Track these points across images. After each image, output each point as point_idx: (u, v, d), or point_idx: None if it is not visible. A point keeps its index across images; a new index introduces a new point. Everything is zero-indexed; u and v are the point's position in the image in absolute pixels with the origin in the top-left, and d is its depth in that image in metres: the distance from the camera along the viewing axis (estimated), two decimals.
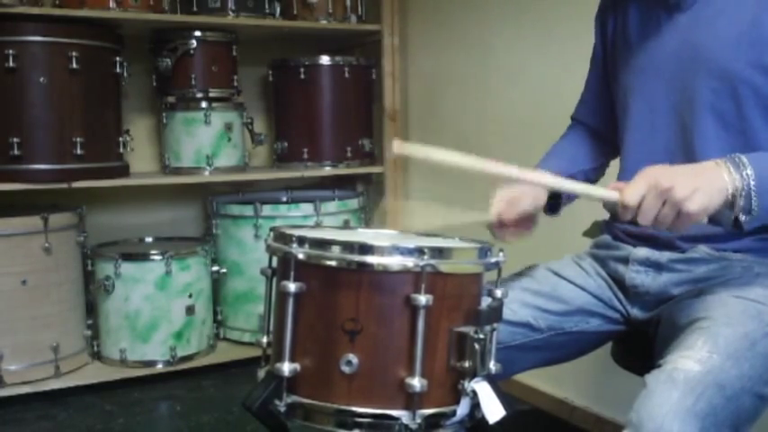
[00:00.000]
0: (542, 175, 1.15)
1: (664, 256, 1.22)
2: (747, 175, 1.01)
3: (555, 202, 1.34)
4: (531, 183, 1.17)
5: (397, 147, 1.10)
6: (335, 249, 0.97)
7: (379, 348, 0.96)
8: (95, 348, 2.59)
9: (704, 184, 1.00)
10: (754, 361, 1.02)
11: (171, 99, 2.76)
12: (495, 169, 1.09)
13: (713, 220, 1.04)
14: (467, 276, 1.01)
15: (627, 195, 1.02)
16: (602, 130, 1.44)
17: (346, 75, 2.90)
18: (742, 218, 1.03)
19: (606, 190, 1.07)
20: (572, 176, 1.38)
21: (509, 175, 1.11)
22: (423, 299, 0.94)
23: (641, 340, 1.27)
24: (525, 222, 1.27)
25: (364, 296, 0.96)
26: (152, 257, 2.53)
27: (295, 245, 0.98)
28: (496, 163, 1.09)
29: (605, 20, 1.38)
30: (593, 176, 1.45)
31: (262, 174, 2.97)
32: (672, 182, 0.99)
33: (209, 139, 2.71)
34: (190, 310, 2.60)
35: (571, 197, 1.35)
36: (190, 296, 2.60)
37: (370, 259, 0.95)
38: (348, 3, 2.88)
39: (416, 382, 0.94)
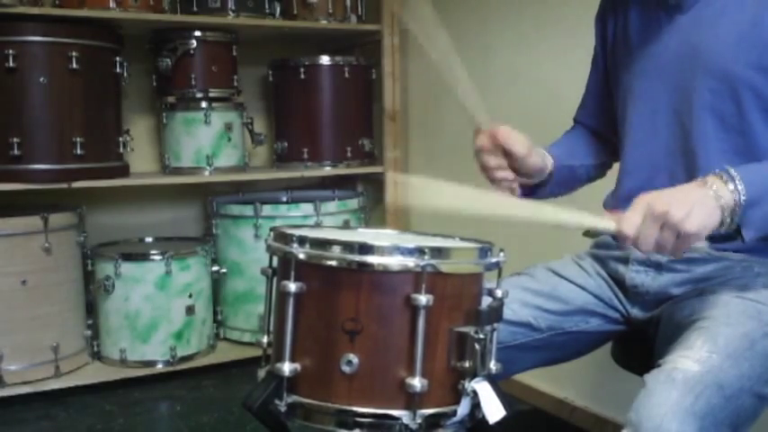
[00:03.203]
0: (542, 207, 1.10)
1: (664, 256, 1.22)
2: (739, 189, 1.00)
3: (533, 187, 1.33)
4: (530, 219, 1.09)
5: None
6: (336, 249, 0.97)
7: (379, 348, 0.96)
8: (95, 348, 2.59)
9: (698, 204, 0.99)
10: (753, 361, 1.02)
11: (171, 99, 2.76)
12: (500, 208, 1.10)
13: (714, 237, 1.04)
14: (467, 276, 1.01)
15: (624, 226, 1.01)
16: (603, 133, 1.44)
17: (346, 75, 2.90)
18: (742, 231, 1.03)
19: (603, 219, 1.05)
20: (572, 168, 1.38)
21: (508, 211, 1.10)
22: (423, 299, 0.94)
23: (641, 340, 1.28)
24: (508, 165, 1.25)
25: (364, 296, 0.96)
26: (152, 257, 2.53)
27: (295, 245, 0.98)
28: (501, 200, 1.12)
29: (605, 21, 1.37)
30: (593, 173, 1.44)
31: (262, 174, 2.97)
32: (666, 206, 0.98)
33: (209, 139, 2.72)
34: (190, 310, 2.60)
35: (554, 191, 1.35)
36: (190, 296, 2.60)
37: (371, 259, 0.95)
38: (348, 3, 2.88)
39: (417, 382, 0.94)
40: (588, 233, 1.44)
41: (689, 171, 1.18)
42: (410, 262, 0.94)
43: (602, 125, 1.44)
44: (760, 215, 1.02)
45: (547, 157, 1.32)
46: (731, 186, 1.01)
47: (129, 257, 2.52)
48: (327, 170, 2.94)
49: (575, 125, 1.50)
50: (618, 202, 1.33)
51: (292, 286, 0.97)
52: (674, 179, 1.16)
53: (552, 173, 1.33)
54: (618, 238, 1.03)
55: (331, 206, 2.81)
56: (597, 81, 1.43)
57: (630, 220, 1.00)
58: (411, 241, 1.02)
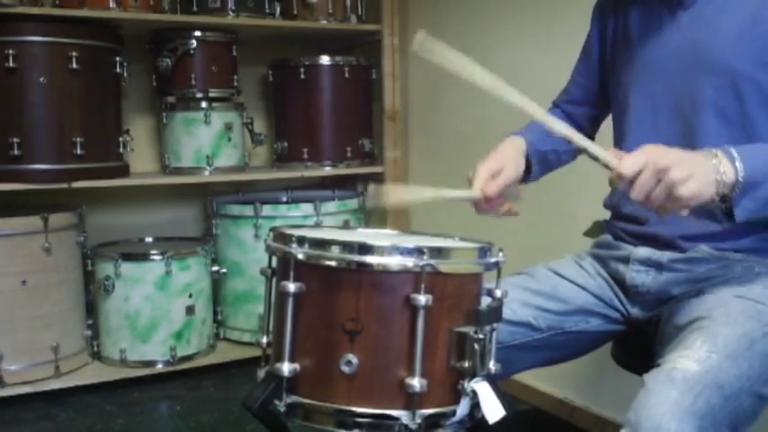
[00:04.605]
0: (557, 122, 1.12)
1: (665, 255, 1.22)
2: (737, 168, 1.01)
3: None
4: (550, 128, 1.12)
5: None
6: (335, 249, 0.97)
7: (378, 348, 0.96)
8: (95, 348, 2.59)
9: (700, 173, 0.99)
10: (752, 361, 1.02)
11: (171, 99, 2.76)
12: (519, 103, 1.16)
13: (707, 212, 1.05)
14: (466, 276, 1.01)
15: (624, 165, 1.01)
16: (580, 122, 1.44)
17: (346, 75, 2.90)
18: (735, 211, 1.03)
19: (607, 152, 1.05)
20: (544, 153, 1.38)
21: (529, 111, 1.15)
22: (422, 299, 0.94)
23: (641, 340, 1.28)
24: (510, 195, 1.27)
25: (364, 296, 0.96)
26: (152, 257, 2.53)
27: (295, 245, 0.98)
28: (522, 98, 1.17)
29: (605, 15, 1.37)
30: (564, 158, 1.44)
31: (262, 174, 2.97)
32: (670, 163, 0.99)
33: (209, 139, 2.71)
34: (190, 310, 2.60)
35: (538, 172, 1.37)
36: (190, 296, 2.60)
37: (370, 259, 0.95)
38: (348, 3, 2.88)
39: (416, 382, 0.94)
40: (588, 232, 1.44)
41: None
42: (409, 262, 0.95)
43: (580, 115, 1.44)
44: (755, 197, 1.03)
45: (523, 146, 1.34)
46: (732, 165, 1.01)
47: (129, 257, 2.52)
48: (327, 170, 2.94)
49: (552, 108, 1.50)
50: (617, 198, 1.33)
51: (291, 286, 0.97)
52: None
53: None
54: (614, 176, 1.02)
55: (331, 206, 2.80)
56: (585, 69, 1.43)
57: (632, 163, 1.00)
58: (410, 241, 1.02)
